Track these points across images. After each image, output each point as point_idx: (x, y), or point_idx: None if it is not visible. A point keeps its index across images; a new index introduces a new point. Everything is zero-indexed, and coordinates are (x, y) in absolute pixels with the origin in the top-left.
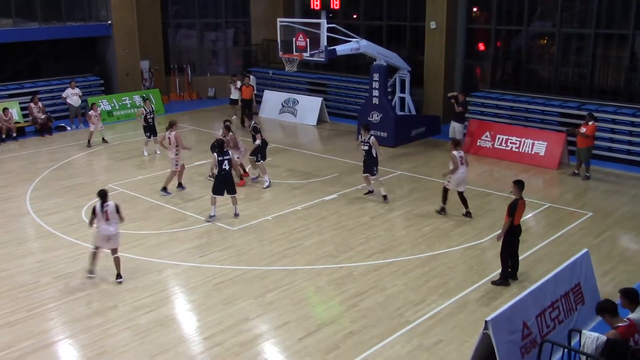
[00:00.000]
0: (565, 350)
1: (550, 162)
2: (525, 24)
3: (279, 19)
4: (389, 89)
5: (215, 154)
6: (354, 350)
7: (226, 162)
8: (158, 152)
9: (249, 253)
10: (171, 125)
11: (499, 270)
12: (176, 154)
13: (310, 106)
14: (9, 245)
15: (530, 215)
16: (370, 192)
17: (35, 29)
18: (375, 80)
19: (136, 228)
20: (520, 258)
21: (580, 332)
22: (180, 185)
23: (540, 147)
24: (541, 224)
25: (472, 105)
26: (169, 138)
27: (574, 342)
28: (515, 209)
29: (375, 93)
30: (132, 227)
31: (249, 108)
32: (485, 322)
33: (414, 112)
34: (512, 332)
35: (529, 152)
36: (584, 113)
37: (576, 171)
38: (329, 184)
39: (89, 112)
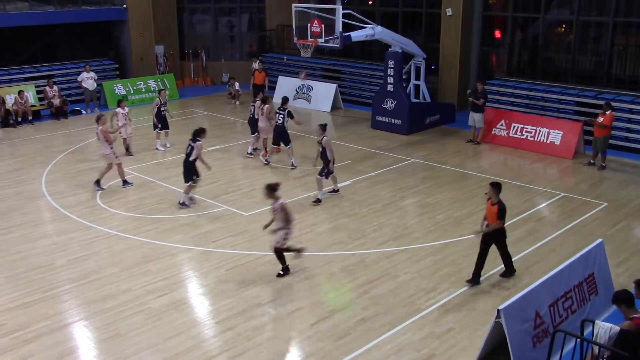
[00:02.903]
0: (578, 340)
1: (565, 151)
2: (543, 11)
3: (294, 5)
4: (404, 76)
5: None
6: (365, 337)
7: (282, 116)
8: (168, 146)
9: (261, 239)
10: (97, 120)
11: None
12: (111, 148)
13: (324, 92)
14: (25, 227)
15: (544, 204)
16: (335, 191)
17: (50, 12)
18: (390, 67)
19: (151, 212)
20: (533, 247)
21: (593, 323)
22: (125, 182)
23: (556, 136)
24: (555, 214)
25: (488, 93)
26: (97, 133)
27: (586, 332)
28: (505, 212)
29: (390, 80)
30: (146, 211)
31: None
32: (498, 310)
33: (428, 99)
34: (524, 321)
35: (545, 141)
36: (601, 102)
37: (592, 161)
38: (342, 171)
39: (117, 110)
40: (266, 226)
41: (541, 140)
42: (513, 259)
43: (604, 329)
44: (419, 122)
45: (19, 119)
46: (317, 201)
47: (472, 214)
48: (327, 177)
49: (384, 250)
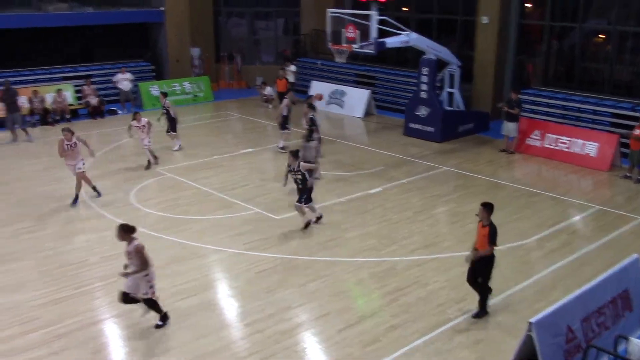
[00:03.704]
0: (611, 356)
1: (601, 163)
2: (580, 20)
3: (329, 10)
4: (438, 84)
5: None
6: (394, 344)
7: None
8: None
9: (292, 242)
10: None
11: (542, 272)
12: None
13: (357, 98)
14: (59, 224)
15: (578, 217)
16: (318, 218)
17: (89, 13)
18: (424, 74)
19: (182, 213)
20: (566, 260)
21: (627, 339)
22: (94, 189)
23: (591, 148)
24: (589, 227)
25: (523, 102)
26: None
27: (620, 348)
28: (496, 235)
29: (424, 87)
30: (178, 212)
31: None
32: (529, 323)
33: (462, 107)
34: (555, 335)
35: (580, 152)
36: (638, 115)
37: (628, 174)
38: (373, 177)
39: (131, 123)
40: (124, 274)
41: (576, 152)
42: (545, 271)
43: (639, 346)
44: (452, 130)
45: (57, 118)
46: (307, 225)
47: (504, 224)
48: (306, 203)
49: (414, 258)
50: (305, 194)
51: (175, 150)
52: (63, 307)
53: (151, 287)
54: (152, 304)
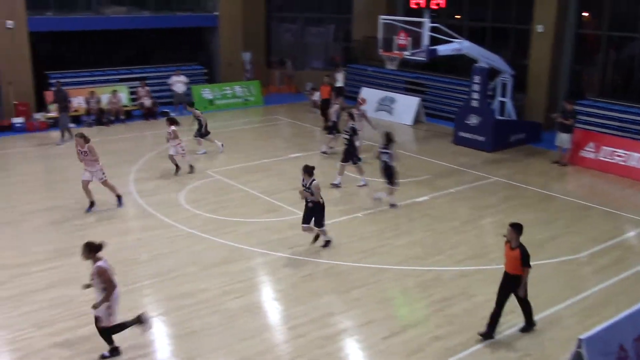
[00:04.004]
0: None
1: None
2: None
3: (381, 17)
4: (490, 92)
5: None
6: (438, 355)
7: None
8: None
9: (338, 248)
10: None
11: (594, 288)
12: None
13: (407, 105)
14: (112, 221)
15: (633, 232)
16: (326, 242)
17: (146, 17)
18: (476, 83)
19: (230, 215)
20: (619, 277)
21: None
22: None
23: None
24: None
25: (577, 113)
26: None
27: None
28: (529, 256)
29: (475, 95)
30: (226, 214)
31: (327, 108)
32: (579, 340)
33: (514, 117)
34: (606, 353)
35: (637, 166)
36: None
37: None
38: (421, 185)
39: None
40: (85, 286)
41: (633, 165)
42: (597, 287)
43: None
44: (503, 140)
45: (112, 118)
46: (326, 244)
47: (555, 238)
48: (318, 227)
49: (461, 269)
50: (314, 216)
51: (201, 154)
52: None
53: (110, 315)
54: (106, 333)
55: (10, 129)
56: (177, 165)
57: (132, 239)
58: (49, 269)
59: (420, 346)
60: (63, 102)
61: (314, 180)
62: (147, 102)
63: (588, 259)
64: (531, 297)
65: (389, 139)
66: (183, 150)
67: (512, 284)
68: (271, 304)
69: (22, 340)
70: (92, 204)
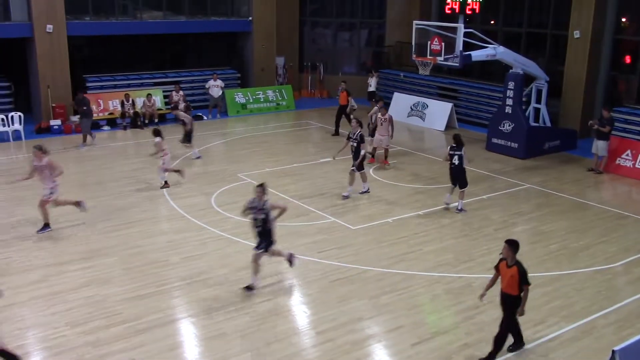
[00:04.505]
0: None
1: None
2: None
3: (415, 22)
4: (524, 99)
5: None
6: None
7: (456, 157)
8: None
9: (367, 253)
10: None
11: (630, 299)
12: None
13: (439, 111)
14: (144, 223)
15: None
16: (291, 257)
17: (182, 22)
18: (510, 89)
19: None
20: None
21: None
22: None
23: None
24: None
25: (614, 121)
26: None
27: None
28: (527, 274)
29: (509, 102)
30: None
31: (344, 115)
32: (613, 351)
33: (548, 124)
34: None
35: None
36: None
37: None
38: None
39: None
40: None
41: None
42: (632, 297)
43: None
44: (537, 147)
45: (146, 121)
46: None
47: (589, 247)
48: (266, 250)
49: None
50: (265, 241)
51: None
52: (144, 304)
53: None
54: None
55: (49, 131)
56: (177, 171)
57: (164, 240)
58: (82, 268)
59: (449, 354)
60: (83, 108)
61: (266, 201)
62: (181, 105)
63: (623, 268)
64: (565, 306)
65: (458, 141)
66: (164, 163)
67: (511, 304)
68: (300, 307)
69: (55, 339)
70: (46, 225)
